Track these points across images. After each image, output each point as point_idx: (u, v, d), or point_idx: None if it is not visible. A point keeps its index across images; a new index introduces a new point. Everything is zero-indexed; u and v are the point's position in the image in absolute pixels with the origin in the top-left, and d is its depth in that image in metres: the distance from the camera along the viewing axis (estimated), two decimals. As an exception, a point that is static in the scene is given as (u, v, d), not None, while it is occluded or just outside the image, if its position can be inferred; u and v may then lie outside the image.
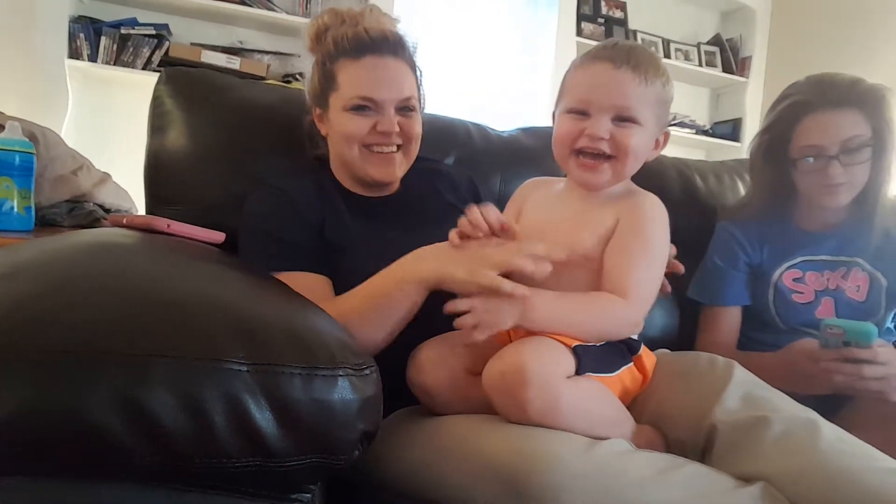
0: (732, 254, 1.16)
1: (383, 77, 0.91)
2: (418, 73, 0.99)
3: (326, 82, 0.93)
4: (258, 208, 0.92)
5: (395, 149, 0.94)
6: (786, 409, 0.71)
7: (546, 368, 0.67)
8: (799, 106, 1.05)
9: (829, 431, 0.67)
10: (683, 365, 0.84)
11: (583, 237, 0.77)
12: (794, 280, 1.13)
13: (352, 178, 0.99)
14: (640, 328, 0.77)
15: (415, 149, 0.97)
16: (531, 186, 0.92)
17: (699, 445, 0.72)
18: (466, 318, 0.67)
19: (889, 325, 1.15)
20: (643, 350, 0.82)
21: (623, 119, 0.76)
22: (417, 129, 0.96)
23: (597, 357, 0.73)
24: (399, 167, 0.95)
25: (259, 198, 0.93)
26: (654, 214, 0.79)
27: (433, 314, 0.79)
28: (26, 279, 0.52)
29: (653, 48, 3.21)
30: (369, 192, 0.99)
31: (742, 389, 0.74)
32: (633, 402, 0.81)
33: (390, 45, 0.92)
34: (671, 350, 0.94)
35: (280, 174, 0.97)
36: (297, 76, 2.48)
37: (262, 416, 0.47)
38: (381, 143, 0.92)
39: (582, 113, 0.77)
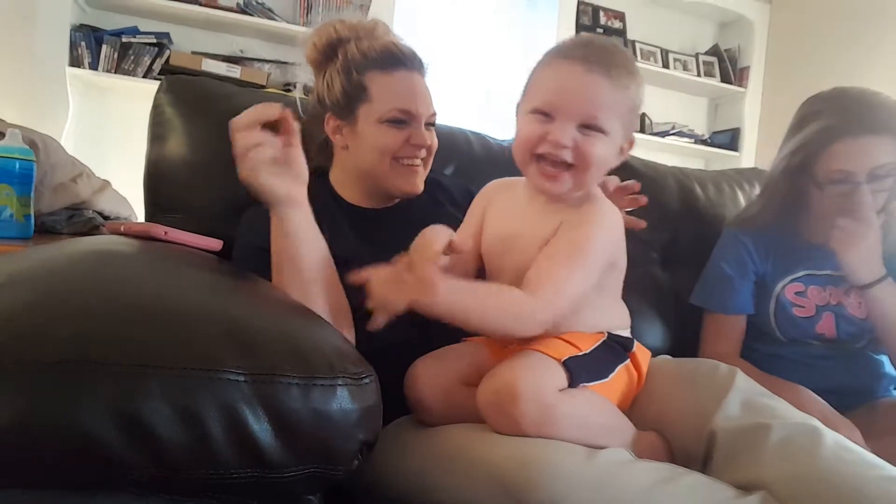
0: (742, 262, 1.15)
1: (418, 91, 0.94)
2: None
3: (355, 93, 0.92)
4: (255, 224, 0.90)
5: (420, 161, 0.96)
6: (787, 416, 0.70)
7: (538, 383, 0.67)
8: (833, 130, 1.03)
9: (830, 439, 0.66)
10: (685, 371, 0.83)
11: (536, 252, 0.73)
12: (797, 294, 1.12)
13: (369, 190, 0.98)
14: (546, 327, 0.71)
15: (431, 161, 1.00)
16: (493, 190, 0.89)
17: (700, 451, 0.72)
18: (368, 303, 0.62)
19: None
20: (637, 346, 0.81)
21: (589, 127, 0.71)
22: (437, 142, 0.98)
23: (588, 366, 0.72)
24: (421, 179, 0.97)
25: (255, 214, 0.91)
26: (596, 218, 0.75)
27: (430, 336, 0.80)
28: (22, 289, 0.52)
29: (651, 58, 3.23)
30: (374, 204, 0.99)
31: (743, 396, 0.74)
32: (635, 408, 0.81)
33: (418, 62, 0.95)
34: (672, 356, 0.93)
35: None
36: (296, 85, 2.48)
37: (260, 427, 0.47)
38: (411, 156, 0.94)
39: (546, 115, 0.73)
